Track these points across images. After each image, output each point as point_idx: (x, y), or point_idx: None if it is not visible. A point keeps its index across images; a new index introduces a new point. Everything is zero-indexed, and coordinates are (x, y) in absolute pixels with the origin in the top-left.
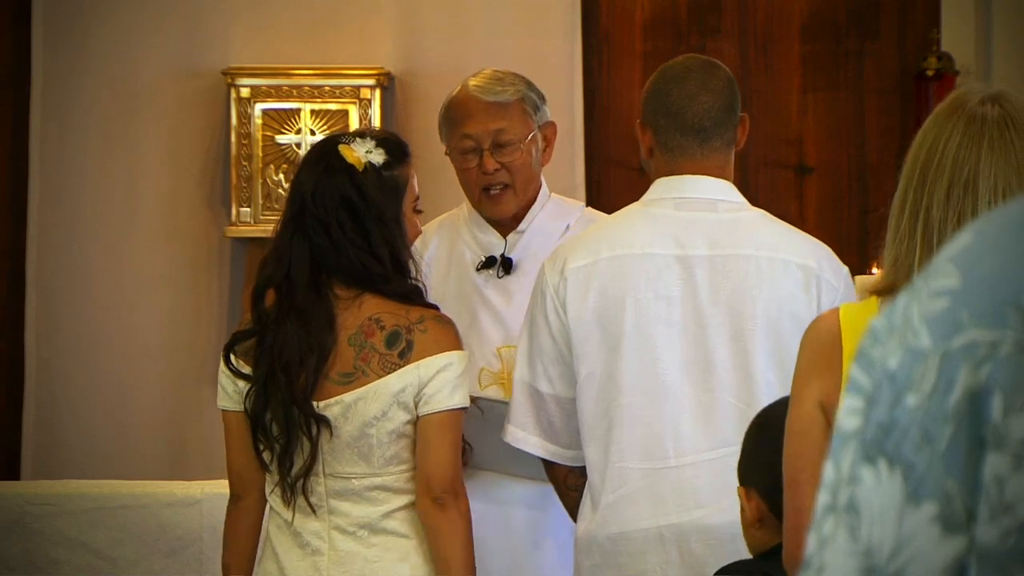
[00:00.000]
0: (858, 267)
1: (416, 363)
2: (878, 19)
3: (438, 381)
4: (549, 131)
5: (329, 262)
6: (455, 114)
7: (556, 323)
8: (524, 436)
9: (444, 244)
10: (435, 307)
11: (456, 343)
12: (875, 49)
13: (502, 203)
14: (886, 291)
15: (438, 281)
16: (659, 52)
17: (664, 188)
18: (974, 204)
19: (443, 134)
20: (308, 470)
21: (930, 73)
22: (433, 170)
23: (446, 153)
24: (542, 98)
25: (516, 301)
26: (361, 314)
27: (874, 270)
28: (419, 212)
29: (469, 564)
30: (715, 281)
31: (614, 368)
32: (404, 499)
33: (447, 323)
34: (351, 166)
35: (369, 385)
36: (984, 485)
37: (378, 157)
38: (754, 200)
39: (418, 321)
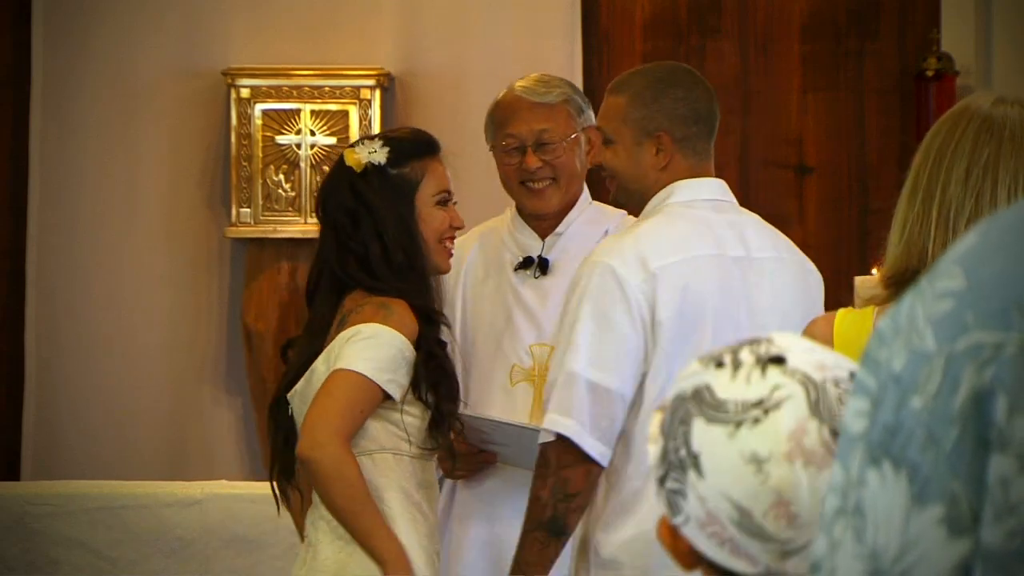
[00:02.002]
0: (858, 267)
1: (335, 339)
2: (878, 19)
3: (340, 352)
4: (593, 134)
5: (333, 269)
6: (501, 115)
7: (640, 321)
8: (583, 433)
9: (484, 250)
10: (409, 300)
11: (379, 318)
12: (875, 49)
13: (545, 197)
14: (898, 276)
15: (476, 283)
16: (659, 52)
17: (693, 190)
18: (993, 187)
19: (488, 134)
20: (274, 463)
21: (930, 73)
22: None
23: (491, 149)
24: (586, 102)
25: (551, 301)
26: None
27: (874, 271)
28: (448, 203)
29: (347, 510)
30: (761, 283)
31: None
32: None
33: (385, 306)
34: (349, 169)
35: (310, 368)
36: (989, 487)
37: (381, 156)
38: (754, 200)
39: (362, 305)
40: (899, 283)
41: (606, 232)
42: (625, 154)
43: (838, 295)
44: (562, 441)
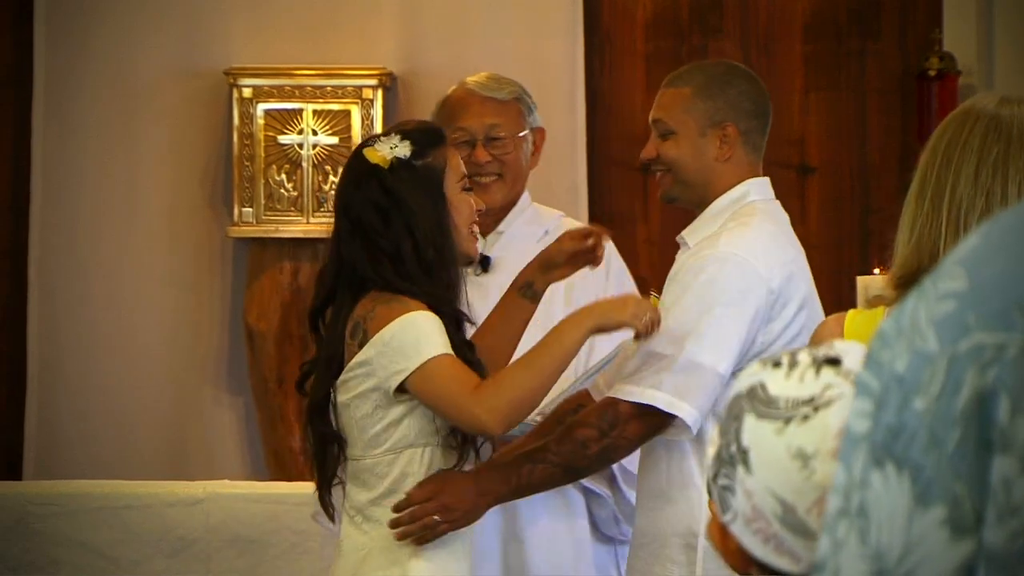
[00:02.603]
0: (860, 267)
1: (369, 344)
2: (879, 19)
3: (392, 352)
4: (539, 137)
5: (360, 273)
6: (450, 109)
7: (765, 314)
8: (699, 419)
9: None
10: (435, 306)
11: (397, 312)
12: (877, 49)
13: (490, 192)
14: (909, 276)
15: None
16: (661, 52)
17: (765, 189)
18: (1004, 185)
19: None
20: (318, 476)
21: (932, 73)
22: None
23: None
24: (534, 104)
25: (492, 298)
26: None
27: (876, 271)
28: (469, 190)
29: (545, 369)
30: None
31: None
32: (384, 484)
33: (394, 299)
34: (376, 167)
35: (341, 377)
36: (992, 488)
37: (405, 150)
38: None
39: (372, 309)
40: (909, 283)
41: (546, 232)
42: (688, 145)
43: (840, 295)
44: (651, 415)
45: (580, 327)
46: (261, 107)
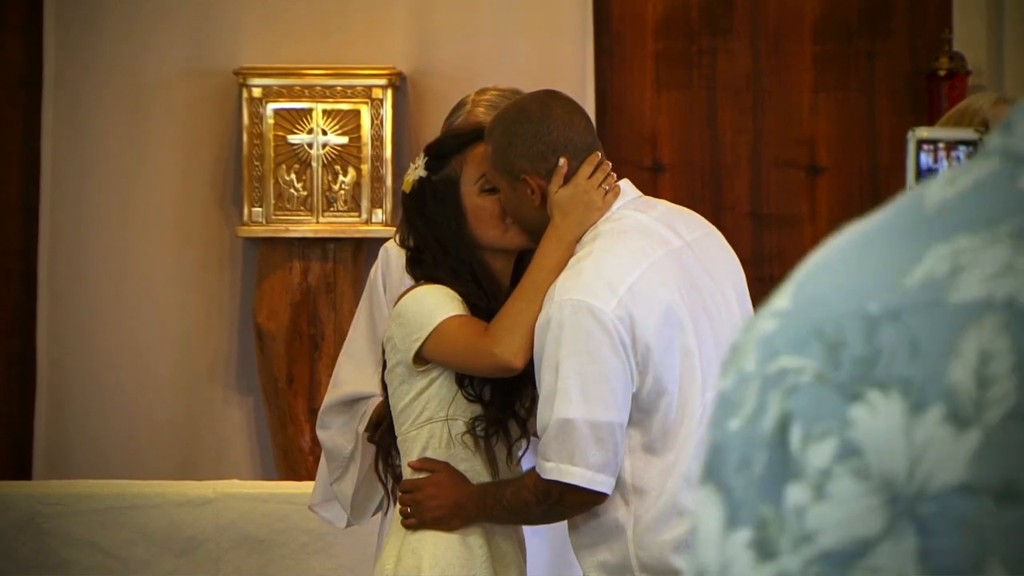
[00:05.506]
0: None
1: (390, 321)
2: (890, 19)
3: (408, 323)
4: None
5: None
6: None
7: (621, 346)
8: (593, 476)
9: (389, 265)
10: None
11: (407, 293)
12: (887, 49)
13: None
14: None
15: (384, 296)
16: (670, 52)
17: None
18: None
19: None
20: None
21: (942, 73)
22: None
23: None
24: None
25: None
26: None
27: None
28: (489, 192)
29: (530, 300)
30: (704, 263)
31: (693, 369)
32: (410, 460)
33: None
34: (404, 195)
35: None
36: (786, 514)
37: (421, 169)
38: (766, 200)
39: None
40: None
41: None
42: (509, 198)
43: None
44: (570, 486)
45: (561, 243)
46: (271, 107)
